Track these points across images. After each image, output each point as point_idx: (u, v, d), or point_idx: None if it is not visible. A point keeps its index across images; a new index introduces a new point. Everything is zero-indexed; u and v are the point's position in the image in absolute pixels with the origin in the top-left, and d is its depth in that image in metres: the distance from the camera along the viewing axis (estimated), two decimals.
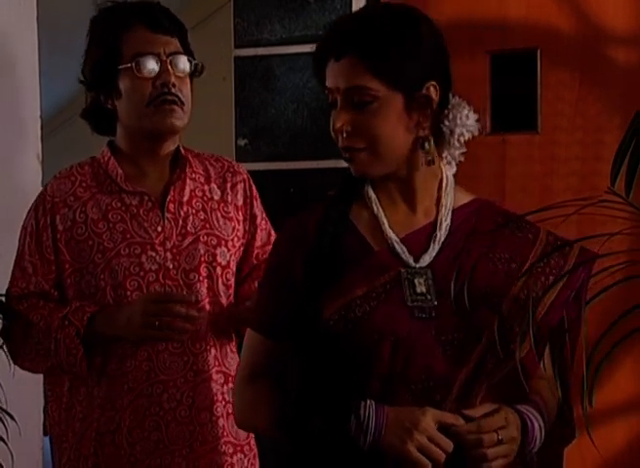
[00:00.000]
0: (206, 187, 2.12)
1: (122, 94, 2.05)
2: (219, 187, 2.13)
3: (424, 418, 1.41)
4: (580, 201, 1.24)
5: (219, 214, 2.10)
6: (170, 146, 2.11)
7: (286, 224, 1.66)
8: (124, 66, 2.02)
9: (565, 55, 3.05)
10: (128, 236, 2.03)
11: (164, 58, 2.03)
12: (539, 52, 3.07)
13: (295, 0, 3.23)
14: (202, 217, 2.07)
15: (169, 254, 2.03)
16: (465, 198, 1.62)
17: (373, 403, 1.44)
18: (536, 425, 1.48)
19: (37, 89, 2.21)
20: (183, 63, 2.06)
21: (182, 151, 2.13)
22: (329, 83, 1.55)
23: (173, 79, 2.02)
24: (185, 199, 2.07)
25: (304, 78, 3.20)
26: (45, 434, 2.21)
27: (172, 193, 2.06)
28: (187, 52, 2.10)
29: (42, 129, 2.26)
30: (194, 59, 2.10)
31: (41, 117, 2.24)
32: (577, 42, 3.04)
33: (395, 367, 1.46)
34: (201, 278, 2.04)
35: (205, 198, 2.10)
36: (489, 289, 1.48)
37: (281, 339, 1.56)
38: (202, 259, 2.04)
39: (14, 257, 2.08)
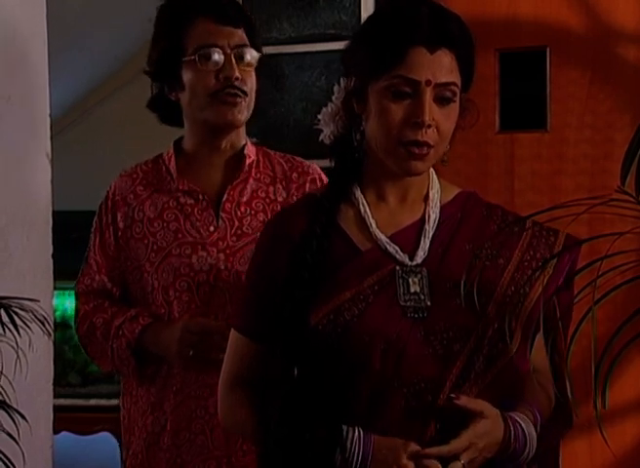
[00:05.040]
0: (270, 188, 2.05)
1: (185, 86, 2.00)
2: (284, 188, 2.05)
3: (405, 455, 1.41)
4: (590, 200, 1.23)
5: None
6: (233, 140, 2.05)
7: (268, 224, 1.64)
8: (187, 59, 1.98)
9: (575, 53, 3.04)
10: (180, 236, 2.00)
11: (228, 51, 1.98)
12: (548, 50, 3.07)
13: None
14: (261, 219, 2.00)
15: (222, 255, 1.98)
16: (450, 193, 1.61)
17: (360, 432, 1.42)
18: (526, 433, 1.46)
19: (47, 87, 2.20)
20: (249, 56, 2.00)
21: (250, 149, 2.07)
22: (414, 74, 1.46)
23: (237, 73, 1.97)
24: (245, 199, 2.02)
25: (313, 77, 3.20)
26: (55, 433, 2.20)
27: (230, 193, 2.01)
28: (253, 44, 2.03)
29: (51, 128, 2.25)
30: (260, 52, 2.04)
31: (50, 116, 2.23)
32: (587, 40, 3.03)
33: (386, 369, 1.44)
34: None
35: (267, 200, 2.03)
36: (479, 286, 1.44)
37: (265, 341, 1.54)
38: None
39: (23, 254, 2.08)
